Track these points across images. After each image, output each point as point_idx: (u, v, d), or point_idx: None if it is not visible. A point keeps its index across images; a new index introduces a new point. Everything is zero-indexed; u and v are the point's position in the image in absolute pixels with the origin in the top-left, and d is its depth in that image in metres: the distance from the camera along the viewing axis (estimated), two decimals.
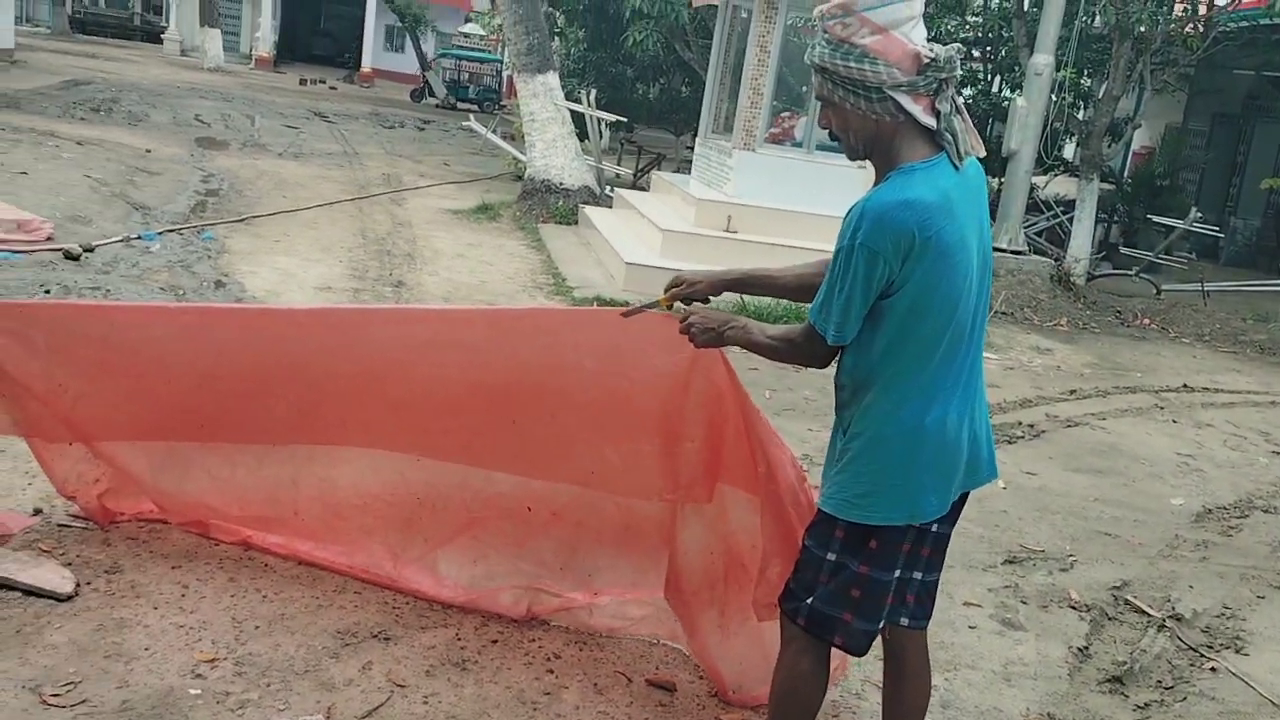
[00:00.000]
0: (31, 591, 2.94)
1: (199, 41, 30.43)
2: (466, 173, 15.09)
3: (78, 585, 3.00)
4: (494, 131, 17.09)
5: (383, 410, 3.16)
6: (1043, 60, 10.49)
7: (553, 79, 12.17)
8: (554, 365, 3.01)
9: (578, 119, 12.85)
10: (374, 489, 3.25)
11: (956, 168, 2.17)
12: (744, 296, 6.30)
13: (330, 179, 12.57)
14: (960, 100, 2.19)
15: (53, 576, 3.00)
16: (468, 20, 33.42)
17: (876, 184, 2.21)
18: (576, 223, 11.34)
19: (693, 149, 12.06)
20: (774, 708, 2.43)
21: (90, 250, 7.07)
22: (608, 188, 12.70)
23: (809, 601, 2.30)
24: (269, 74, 30.93)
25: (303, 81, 28.78)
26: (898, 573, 2.30)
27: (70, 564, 3.12)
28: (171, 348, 3.16)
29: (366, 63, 35.11)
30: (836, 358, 2.30)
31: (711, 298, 2.72)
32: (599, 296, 7.95)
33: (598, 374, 2.95)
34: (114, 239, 7.57)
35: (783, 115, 9.83)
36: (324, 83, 29.62)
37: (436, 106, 28.64)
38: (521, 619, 3.21)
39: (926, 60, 2.12)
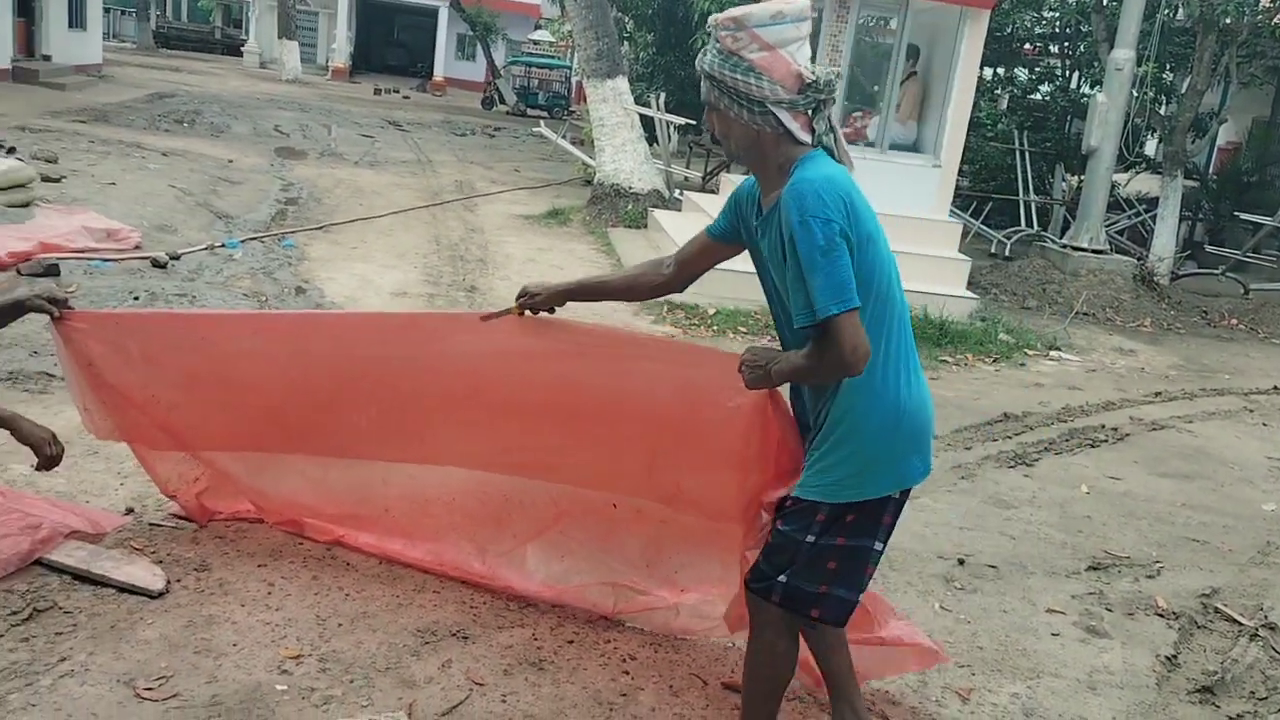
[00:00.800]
0: (125, 588, 3.03)
1: (277, 54, 31.20)
2: (537, 178, 15.22)
3: (168, 582, 3.09)
4: (563, 137, 17.20)
5: (463, 426, 3.18)
6: (1123, 55, 10.24)
7: (622, 83, 12.22)
8: (631, 391, 3.00)
9: (646, 123, 12.88)
10: (462, 487, 3.29)
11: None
12: None
13: (404, 186, 12.78)
14: (835, 120, 2.33)
15: (145, 574, 3.09)
16: (537, 27, 33.75)
17: (760, 183, 2.37)
18: (646, 226, 11.36)
19: None
20: (754, 691, 2.51)
21: (176, 258, 7.28)
22: (677, 191, 12.70)
23: (782, 580, 2.37)
24: (344, 84, 31.57)
25: (377, 91, 29.31)
26: (880, 544, 2.40)
27: (161, 562, 3.21)
28: (260, 358, 3.24)
29: (438, 71, 35.63)
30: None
31: (556, 308, 2.92)
32: (669, 300, 7.95)
33: (671, 404, 2.95)
34: (198, 247, 7.79)
35: (854, 115, 9.73)
36: (397, 92, 30.14)
37: (506, 113, 28.93)
38: (610, 616, 3.23)
39: (808, 81, 2.25)
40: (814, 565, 2.34)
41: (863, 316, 2.19)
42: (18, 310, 3.26)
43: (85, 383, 3.21)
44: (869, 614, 2.87)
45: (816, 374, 2.31)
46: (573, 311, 2.98)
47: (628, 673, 2.99)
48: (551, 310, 2.94)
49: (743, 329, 7.54)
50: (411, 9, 38.53)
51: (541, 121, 20.29)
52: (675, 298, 8.00)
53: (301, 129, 17.57)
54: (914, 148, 9.54)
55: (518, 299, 2.92)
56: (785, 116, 2.26)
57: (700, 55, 2.32)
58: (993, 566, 4.05)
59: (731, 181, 11.17)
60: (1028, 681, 3.24)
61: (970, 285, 9.21)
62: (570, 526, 3.18)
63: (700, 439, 2.88)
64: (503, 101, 30.28)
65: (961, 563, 4.05)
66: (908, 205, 9.12)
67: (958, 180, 10.37)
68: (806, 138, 2.29)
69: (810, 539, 2.34)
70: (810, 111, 2.28)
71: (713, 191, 12.94)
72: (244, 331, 3.39)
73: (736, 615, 2.81)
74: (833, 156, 2.31)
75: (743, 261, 7.41)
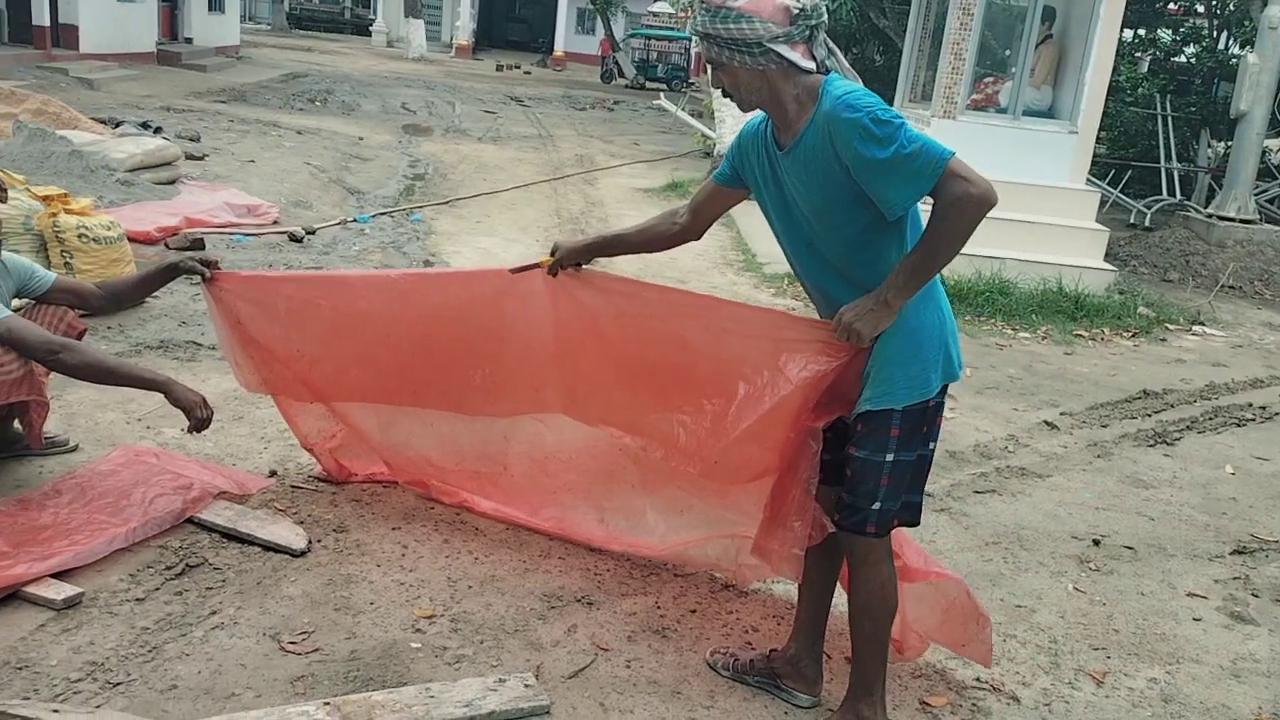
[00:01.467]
0: (269, 547, 3.18)
1: (404, 32, 31.90)
2: (656, 151, 15.22)
3: (309, 542, 3.23)
4: (682, 109, 17.14)
5: (574, 380, 3.20)
6: (1277, 12, 9.62)
7: None
8: (727, 354, 2.95)
9: None
10: (578, 444, 3.33)
11: None
12: None
13: (526, 161, 12.95)
14: (832, 44, 2.40)
15: (288, 534, 3.24)
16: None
17: (777, 121, 2.43)
18: None
19: None
20: (874, 625, 2.52)
21: (312, 233, 7.55)
22: None
23: (875, 507, 2.43)
24: (468, 61, 32.09)
25: (499, 67, 29.71)
26: (934, 444, 2.50)
27: (302, 522, 3.36)
28: (390, 314, 3.35)
29: (559, 46, 35.90)
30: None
31: (583, 263, 3.04)
32: (789, 272, 7.85)
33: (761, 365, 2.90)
34: (332, 222, 8.06)
35: (985, 81, 9.40)
36: (518, 68, 30.49)
37: (625, 87, 28.97)
38: (731, 576, 3.24)
39: (796, 11, 2.32)
40: (896, 484, 2.43)
41: (914, 226, 2.36)
42: (172, 272, 3.45)
43: (235, 339, 3.39)
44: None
45: (953, 238, 2.28)
46: (692, 281, 2.97)
47: (750, 643, 3.00)
48: (578, 266, 3.04)
49: None
50: None
51: (661, 94, 20.26)
52: None
53: (427, 106, 17.96)
54: (1049, 113, 9.17)
55: (551, 254, 3.03)
56: (784, 50, 2.33)
57: (689, 22, 2.40)
58: (1130, 548, 3.91)
59: None
60: (1166, 667, 3.12)
61: (1108, 257, 8.83)
62: (686, 481, 3.16)
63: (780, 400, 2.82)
64: (622, 75, 30.33)
65: (1097, 543, 3.92)
66: (1041, 173, 8.79)
67: (1095, 147, 9.92)
68: (810, 65, 2.35)
69: (890, 457, 2.40)
70: (807, 39, 2.36)
71: None
72: (376, 288, 3.48)
73: (750, 566, 2.89)
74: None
75: None
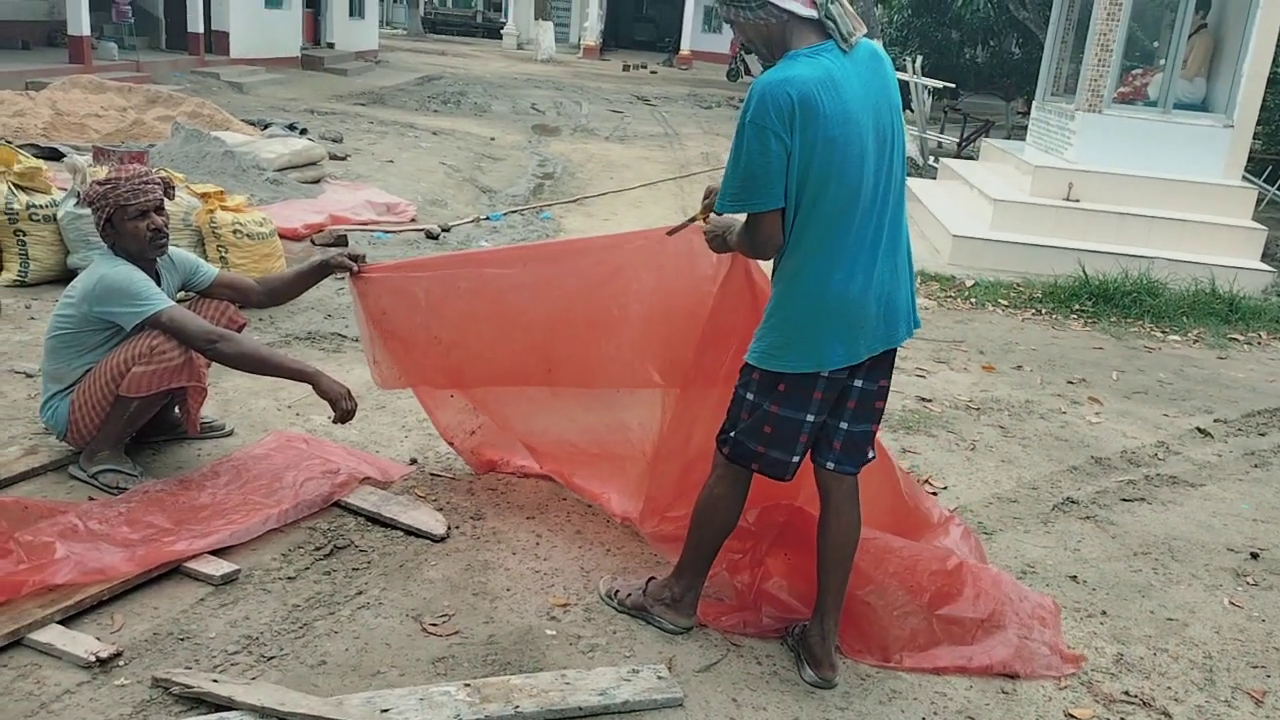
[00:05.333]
0: (411, 531, 3.28)
1: (533, 34, 32.45)
2: None
3: (449, 528, 3.32)
4: None
5: (669, 347, 3.18)
6: None
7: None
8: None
9: (899, 88, 12.47)
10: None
11: (845, 51, 2.42)
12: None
13: (652, 160, 13.01)
14: None
15: (428, 519, 3.33)
16: None
17: None
18: None
19: (1025, 114, 11.36)
20: (691, 525, 2.83)
21: (447, 230, 7.76)
22: (930, 158, 12.24)
23: (732, 434, 2.67)
24: (595, 62, 32.41)
25: (625, 67, 29.91)
26: (812, 416, 2.59)
27: (441, 509, 3.45)
28: (526, 294, 3.39)
29: (685, 45, 35.89)
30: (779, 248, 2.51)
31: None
32: (923, 271, 7.70)
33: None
34: (466, 220, 8.26)
35: (1133, 73, 9.02)
36: (645, 67, 30.63)
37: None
38: None
39: None
40: (754, 427, 2.63)
41: (813, 212, 2.42)
42: (323, 270, 3.59)
43: (376, 334, 3.49)
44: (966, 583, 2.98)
45: (742, 249, 2.65)
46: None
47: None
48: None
49: (1003, 302, 7.19)
50: None
51: None
52: (930, 269, 7.74)
53: (556, 106, 18.22)
54: (1202, 106, 8.74)
55: (704, 201, 3.01)
56: (782, 1, 2.40)
57: None
58: None
59: (994, 147, 10.67)
60: None
61: (1265, 257, 8.36)
62: None
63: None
64: (748, 73, 30.11)
65: (1255, 556, 3.71)
66: (1193, 169, 8.39)
67: (1252, 142, 9.40)
68: (810, 12, 2.41)
69: (750, 396, 2.63)
70: None
71: (970, 158, 12.39)
72: (512, 263, 3.49)
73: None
74: (838, 27, 2.41)
75: (1006, 229, 7.29)
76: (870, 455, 2.77)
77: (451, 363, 3.49)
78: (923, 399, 5.06)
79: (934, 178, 11.20)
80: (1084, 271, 7.35)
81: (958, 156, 12.71)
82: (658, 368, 3.22)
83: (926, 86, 12.52)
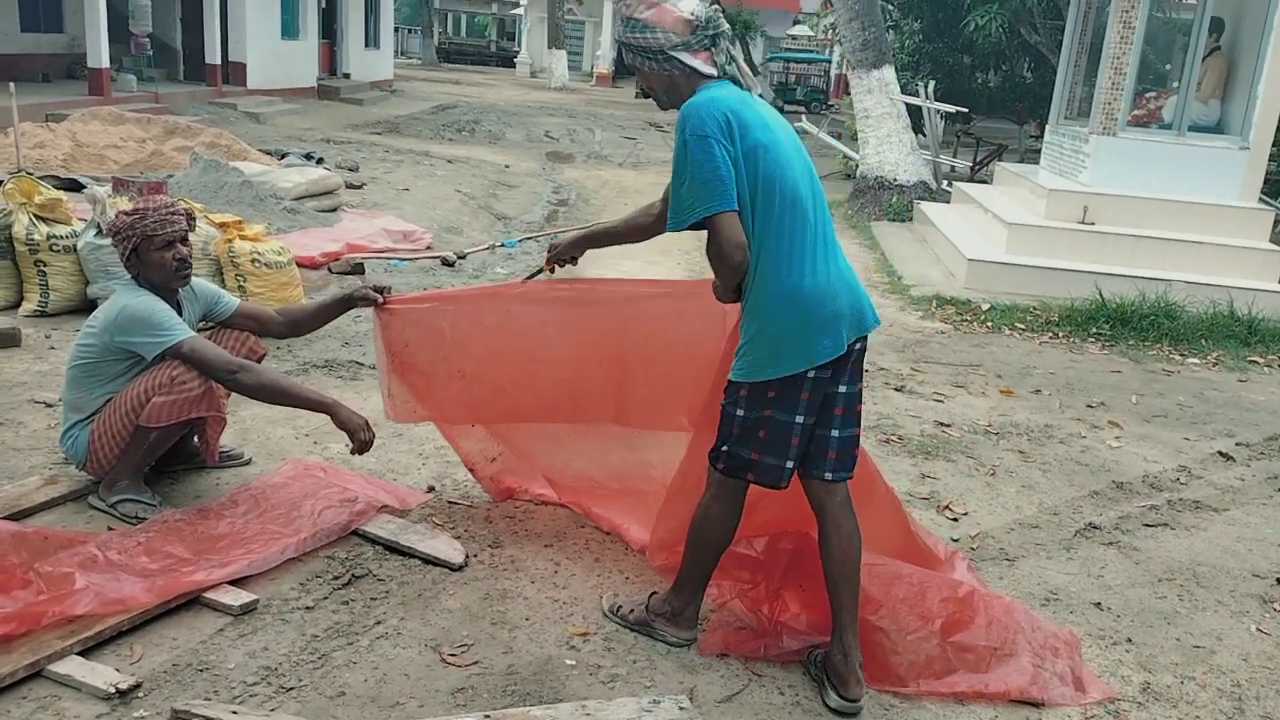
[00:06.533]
0: (429, 560, 3.27)
1: (546, 63, 32.71)
2: None
3: (467, 557, 3.30)
4: (824, 131, 16.99)
5: (698, 394, 3.16)
6: None
7: (889, 73, 11.92)
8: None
9: (912, 113, 12.50)
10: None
11: (745, 91, 2.67)
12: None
13: (666, 185, 13.03)
14: (736, 51, 2.70)
15: (446, 548, 3.32)
16: (796, 22, 33.53)
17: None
18: (911, 219, 11.03)
19: (1037, 138, 11.36)
20: (688, 543, 2.89)
21: (463, 257, 7.78)
22: (944, 182, 12.25)
23: (724, 448, 2.73)
24: (608, 89, 32.65)
25: (638, 94, 30.08)
26: (801, 418, 2.65)
27: (459, 537, 3.44)
28: (553, 330, 3.39)
29: None
30: (746, 242, 2.58)
31: (578, 257, 3.35)
32: (938, 294, 7.68)
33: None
34: (481, 247, 8.28)
35: (1147, 96, 9.01)
36: None
37: None
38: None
39: (695, 22, 2.63)
40: (746, 435, 2.68)
41: (759, 216, 2.55)
42: (348, 304, 3.61)
43: (395, 367, 3.48)
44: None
45: (717, 266, 2.65)
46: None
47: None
48: (574, 261, 3.33)
49: (1020, 325, 7.16)
50: None
51: (803, 116, 20.15)
52: (946, 292, 7.73)
53: (569, 134, 18.33)
54: (1217, 129, 8.72)
55: (548, 254, 3.33)
56: (686, 57, 2.64)
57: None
58: None
59: (1008, 171, 10.66)
60: None
61: None
62: None
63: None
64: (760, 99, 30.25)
65: None
66: (1208, 191, 8.37)
67: (1269, 164, 9.36)
68: (711, 70, 2.65)
69: (740, 412, 2.68)
70: (709, 47, 2.65)
71: (984, 181, 12.39)
72: (539, 301, 3.46)
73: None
74: (738, 84, 2.66)
75: (1022, 252, 7.28)
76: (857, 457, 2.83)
77: (474, 396, 3.48)
78: (941, 424, 5.03)
79: (947, 201, 11.20)
80: (1101, 294, 7.31)
81: (970, 180, 12.71)
82: (686, 414, 3.22)
83: (939, 111, 12.54)
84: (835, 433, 2.73)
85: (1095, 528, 3.99)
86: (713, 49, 2.66)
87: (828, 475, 2.74)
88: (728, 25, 2.70)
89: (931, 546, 3.32)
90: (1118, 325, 7.09)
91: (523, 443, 3.57)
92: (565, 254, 3.32)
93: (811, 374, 2.62)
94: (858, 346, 2.72)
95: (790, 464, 2.71)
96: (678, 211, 2.60)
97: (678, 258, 8.65)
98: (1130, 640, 3.20)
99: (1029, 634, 3.01)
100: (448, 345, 3.43)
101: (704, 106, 2.54)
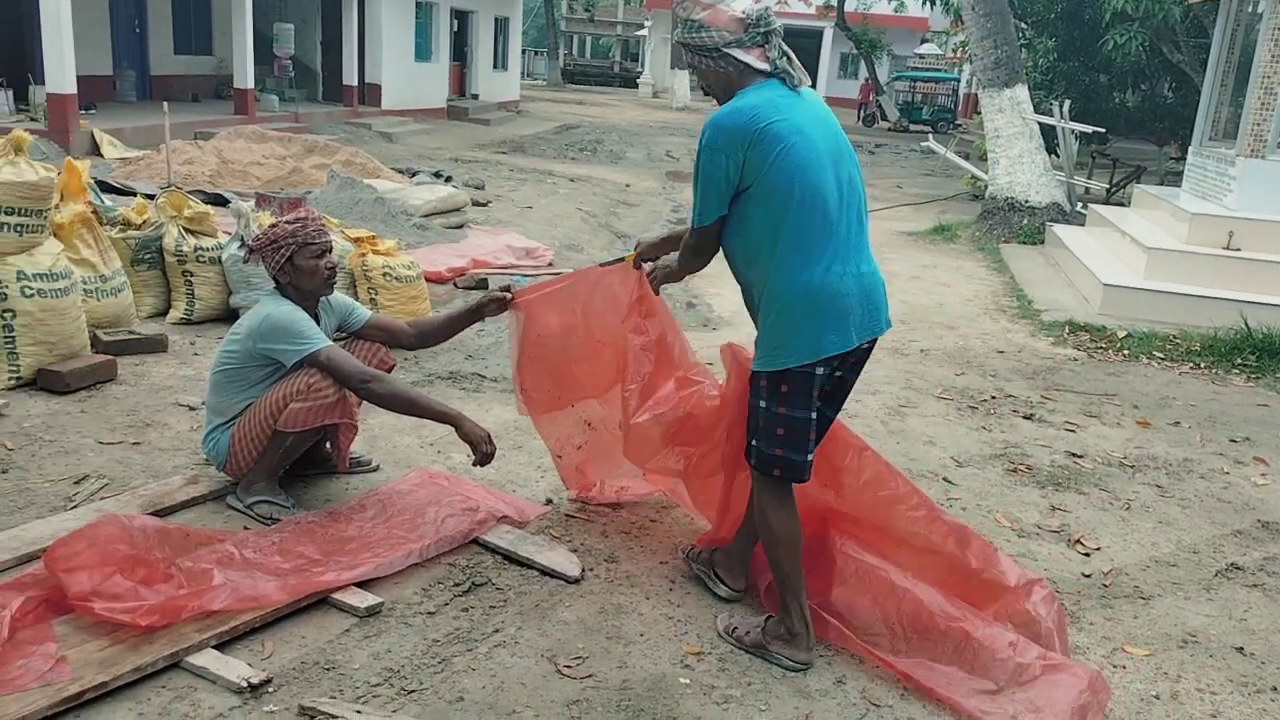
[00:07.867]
0: (547, 572, 3.30)
1: (669, 83, 32.97)
2: (920, 194, 14.85)
3: (583, 570, 3.33)
4: (950, 151, 16.65)
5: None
6: None
7: (1021, 92, 11.62)
8: None
9: (1045, 133, 12.14)
10: None
11: (791, 89, 2.77)
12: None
13: None
14: (786, 47, 2.80)
15: (563, 560, 3.35)
16: (924, 41, 32.99)
17: None
18: (1043, 242, 10.71)
19: (1178, 160, 10.90)
20: (766, 554, 2.96)
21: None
22: (1079, 204, 11.85)
23: (754, 443, 2.88)
24: None
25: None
26: (814, 413, 2.81)
27: (575, 550, 3.47)
28: (613, 315, 3.46)
29: (820, 90, 35.88)
30: (719, 250, 2.92)
31: (659, 257, 3.43)
32: (1071, 320, 7.42)
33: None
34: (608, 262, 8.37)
35: None
36: None
37: (888, 130, 28.51)
38: None
39: (748, 20, 2.75)
40: (769, 431, 2.82)
41: (784, 216, 2.68)
42: (475, 315, 3.71)
43: (527, 359, 3.59)
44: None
45: (687, 266, 3.13)
46: None
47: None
48: (656, 259, 3.40)
49: (1158, 354, 6.86)
50: (797, 31, 39.08)
51: (930, 136, 19.79)
52: (1079, 318, 7.46)
53: (690, 153, 18.38)
54: None
55: (632, 254, 3.43)
56: (739, 54, 2.76)
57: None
58: None
59: (1147, 193, 10.26)
60: None
61: None
62: None
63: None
64: (884, 118, 29.90)
65: None
66: None
67: None
68: (764, 66, 2.77)
69: (762, 404, 2.82)
70: (762, 43, 2.76)
71: (1120, 204, 11.94)
72: (608, 282, 3.54)
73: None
74: (788, 80, 2.76)
75: (1161, 278, 7.04)
76: None
77: (577, 376, 3.59)
78: (1073, 454, 4.85)
79: (1082, 224, 10.83)
80: (1246, 324, 6.95)
81: (1106, 203, 12.26)
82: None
83: (1074, 131, 12.14)
84: (828, 413, 2.94)
85: (1238, 568, 3.78)
86: (765, 45, 2.78)
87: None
88: (779, 23, 2.80)
89: (1000, 573, 3.09)
90: (1264, 356, 6.71)
91: (603, 420, 3.64)
92: (650, 253, 3.42)
93: (820, 370, 2.76)
94: (866, 346, 2.86)
95: (810, 456, 2.85)
96: (697, 211, 2.83)
97: None
98: (1275, 689, 3.02)
99: None
100: (580, 321, 3.51)
101: (723, 119, 2.70)
